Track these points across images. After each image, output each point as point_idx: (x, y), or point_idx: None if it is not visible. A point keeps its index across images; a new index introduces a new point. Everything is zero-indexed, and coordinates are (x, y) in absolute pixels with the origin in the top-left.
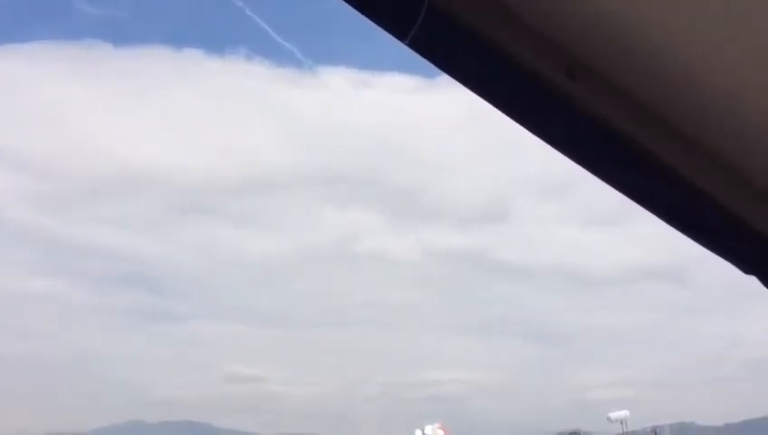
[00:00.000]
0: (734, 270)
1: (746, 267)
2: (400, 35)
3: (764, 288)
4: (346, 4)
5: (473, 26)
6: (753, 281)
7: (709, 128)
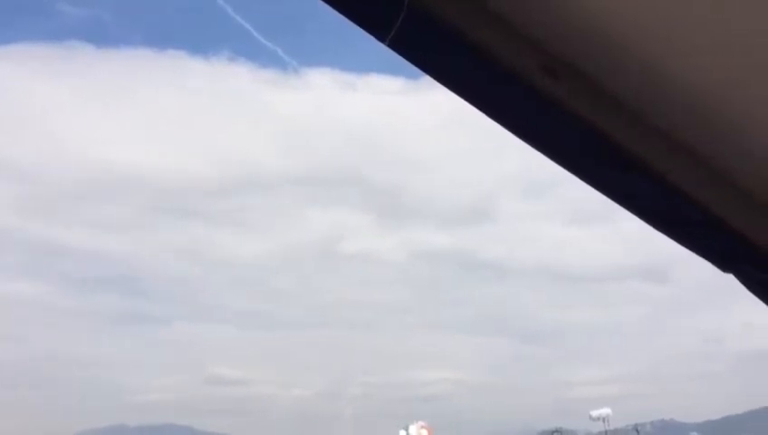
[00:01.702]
0: (713, 268)
1: (724, 265)
2: (380, 36)
3: (742, 286)
4: (327, 6)
5: (453, 26)
6: (731, 279)
7: (689, 127)
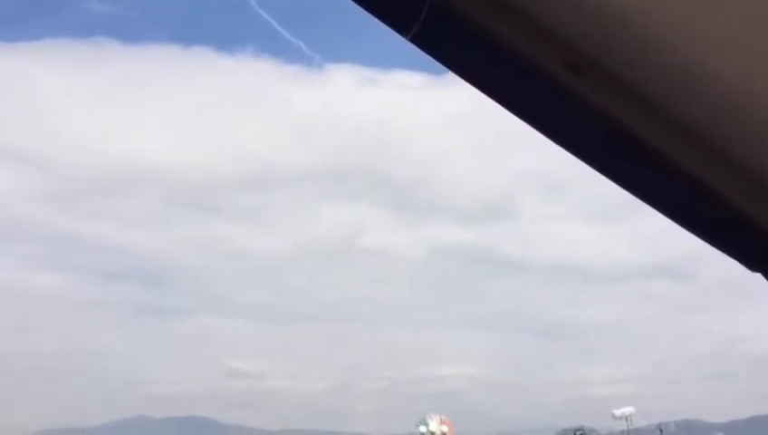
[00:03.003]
0: (738, 267)
1: (752, 264)
2: (403, 31)
3: None
4: (349, 0)
5: (476, 21)
6: (758, 278)
7: (715, 124)
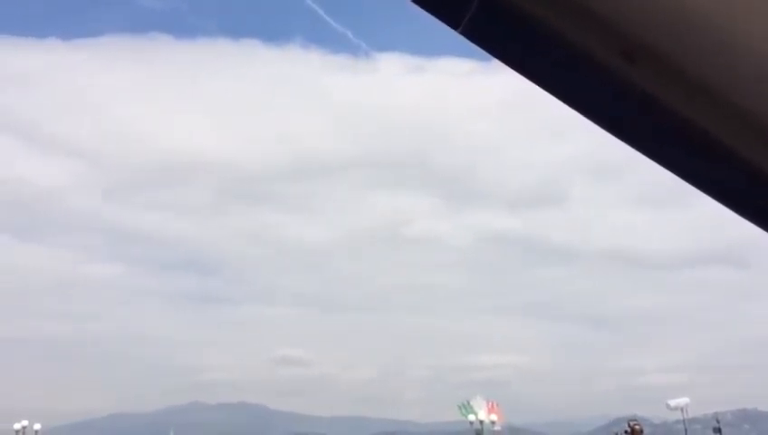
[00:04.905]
0: None
1: None
2: (453, 23)
3: None
4: None
5: (527, 12)
6: None
7: None
